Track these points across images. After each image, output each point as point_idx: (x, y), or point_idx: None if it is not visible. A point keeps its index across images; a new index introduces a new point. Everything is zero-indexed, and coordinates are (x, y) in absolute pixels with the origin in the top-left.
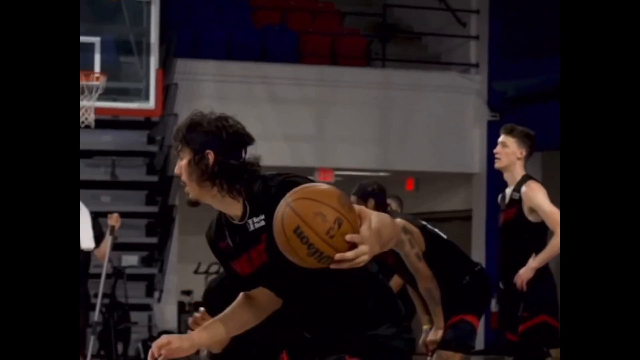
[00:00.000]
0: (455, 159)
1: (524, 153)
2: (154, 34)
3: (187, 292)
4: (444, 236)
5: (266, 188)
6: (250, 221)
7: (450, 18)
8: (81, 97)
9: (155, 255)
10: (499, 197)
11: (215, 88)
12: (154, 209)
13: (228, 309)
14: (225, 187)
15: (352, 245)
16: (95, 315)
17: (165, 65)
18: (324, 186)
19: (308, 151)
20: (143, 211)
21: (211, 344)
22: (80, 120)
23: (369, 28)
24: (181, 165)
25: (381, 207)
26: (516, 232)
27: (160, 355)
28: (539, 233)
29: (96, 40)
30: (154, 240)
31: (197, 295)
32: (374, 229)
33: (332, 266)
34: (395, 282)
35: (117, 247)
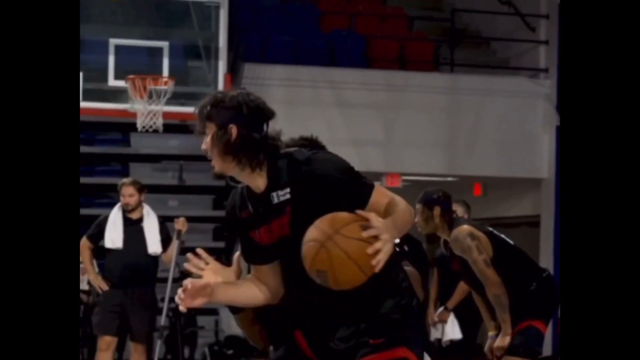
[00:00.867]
0: (524, 164)
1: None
2: (222, 38)
3: None
4: (511, 242)
5: (292, 162)
6: (274, 194)
7: (519, 23)
8: (149, 101)
9: (222, 259)
10: None
11: (283, 93)
12: (220, 213)
13: (240, 280)
14: (247, 159)
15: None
16: (162, 320)
17: (233, 70)
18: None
19: (376, 156)
20: (210, 215)
21: (223, 301)
22: (149, 124)
23: (437, 33)
24: (207, 141)
25: (447, 214)
26: None
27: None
28: None
29: (165, 44)
30: (220, 244)
31: None
32: (386, 219)
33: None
34: (461, 288)
35: (184, 251)
